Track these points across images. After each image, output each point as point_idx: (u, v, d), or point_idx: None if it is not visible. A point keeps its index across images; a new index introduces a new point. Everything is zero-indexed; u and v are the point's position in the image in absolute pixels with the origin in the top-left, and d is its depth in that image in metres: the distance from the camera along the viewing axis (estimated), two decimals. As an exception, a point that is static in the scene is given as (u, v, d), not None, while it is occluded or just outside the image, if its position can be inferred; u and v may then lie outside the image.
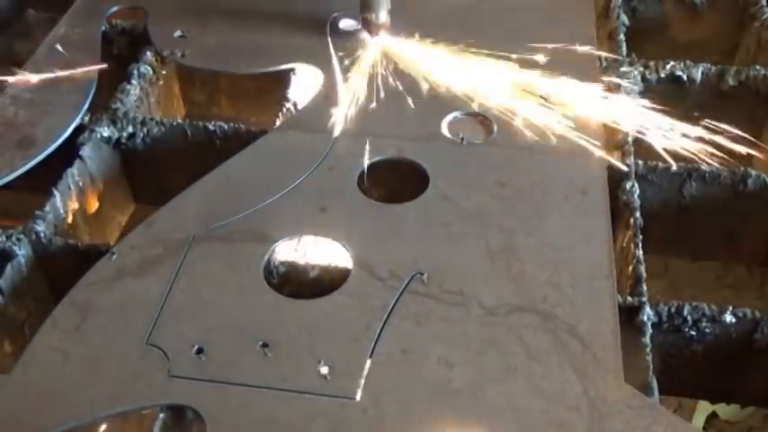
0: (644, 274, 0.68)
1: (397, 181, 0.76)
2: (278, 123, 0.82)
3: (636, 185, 0.74)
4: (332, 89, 0.84)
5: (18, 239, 0.71)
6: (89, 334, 0.63)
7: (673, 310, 0.66)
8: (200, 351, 0.62)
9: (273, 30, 0.93)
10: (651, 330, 0.65)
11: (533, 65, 0.84)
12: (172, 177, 0.77)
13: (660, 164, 0.77)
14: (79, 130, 0.82)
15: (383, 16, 0.87)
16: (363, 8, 0.88)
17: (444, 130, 0.80)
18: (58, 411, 0.59)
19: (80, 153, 0.80)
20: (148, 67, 0.90)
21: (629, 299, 0.66)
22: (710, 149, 0.76)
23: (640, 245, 0.70)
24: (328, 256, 0.70)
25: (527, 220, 0.71)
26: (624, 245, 0.71)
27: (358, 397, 0.59)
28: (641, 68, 0.87)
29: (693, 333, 0.67)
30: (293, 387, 0.59)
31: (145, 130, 0.83)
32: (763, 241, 0.81)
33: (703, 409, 1.07)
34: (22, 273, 0.71)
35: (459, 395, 0.59)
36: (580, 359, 0.60)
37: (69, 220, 0.77)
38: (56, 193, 0.76)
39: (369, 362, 0.61)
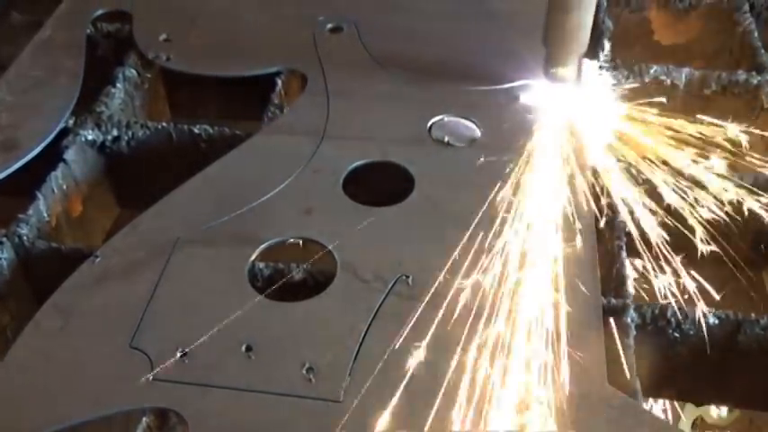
0: (628, 276, 0.68)
1: (382, 183, 0.76)
2: (263, 126, 0.82)
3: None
4: (317, 92, 0.84)
5: (0, 243, 0.71)
6: (72, 337, 0.63)
7: (656, 311, 0.67)
8: (183, 354, 0.61)
9: (259, 33, 0.93)
10: (635, 332, 0.65)
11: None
12: (157, 181, 0.77)
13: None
14: (63, 133, 0.81)
15: (572, 72, 0.79)
16: (552, 61, 0.79)
17: (430, 132, 0.80)
18: (41, 415, 0.58)
19: (64, 156, 0.79)
20: (133, 71, 0.89)
21: (613, 300, 0.66)
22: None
23: (624, 247, 0.70)
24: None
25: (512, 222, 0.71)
26: (608, 247, 0.71)
27: (342, 399, 0.58)
28: (625, 72, 0.87)
29: (677, 335, 0.67)
30: (277, 390, 0.59)
31: (129, 133, 0.83)
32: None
33: (689, 413, 1.08)
34: (5, 276, 0.71)
35: (444, 396, 0.58)
36: (564, 360, 0.60)
37: (53, 223, 0.77)
38: (39, 196, 0.75)
39: (353, 364, 0.60)
